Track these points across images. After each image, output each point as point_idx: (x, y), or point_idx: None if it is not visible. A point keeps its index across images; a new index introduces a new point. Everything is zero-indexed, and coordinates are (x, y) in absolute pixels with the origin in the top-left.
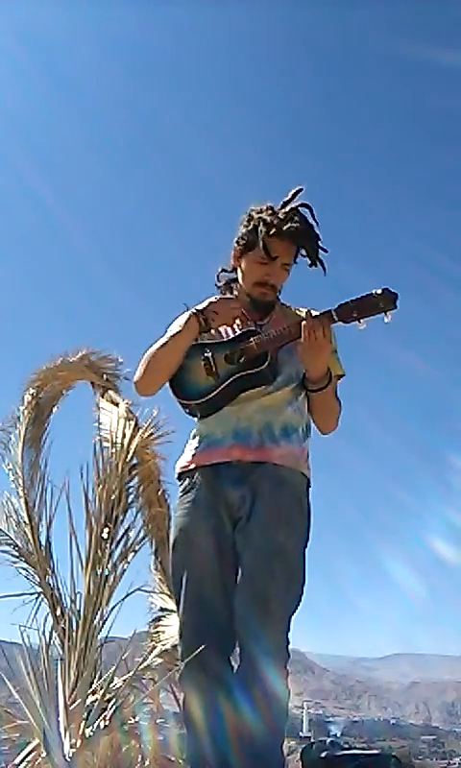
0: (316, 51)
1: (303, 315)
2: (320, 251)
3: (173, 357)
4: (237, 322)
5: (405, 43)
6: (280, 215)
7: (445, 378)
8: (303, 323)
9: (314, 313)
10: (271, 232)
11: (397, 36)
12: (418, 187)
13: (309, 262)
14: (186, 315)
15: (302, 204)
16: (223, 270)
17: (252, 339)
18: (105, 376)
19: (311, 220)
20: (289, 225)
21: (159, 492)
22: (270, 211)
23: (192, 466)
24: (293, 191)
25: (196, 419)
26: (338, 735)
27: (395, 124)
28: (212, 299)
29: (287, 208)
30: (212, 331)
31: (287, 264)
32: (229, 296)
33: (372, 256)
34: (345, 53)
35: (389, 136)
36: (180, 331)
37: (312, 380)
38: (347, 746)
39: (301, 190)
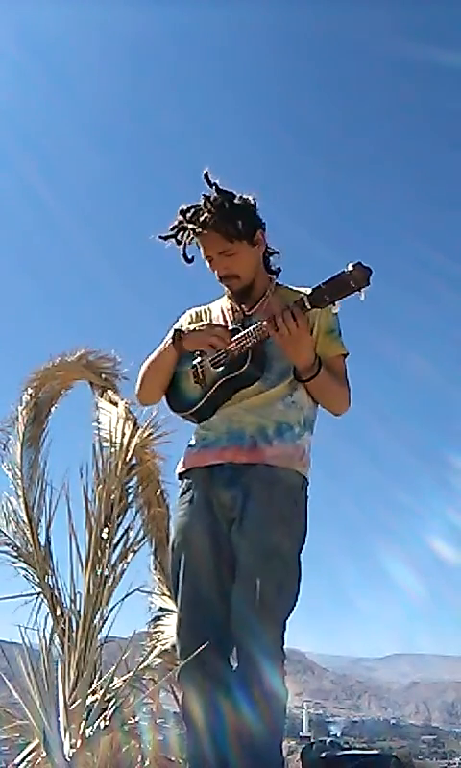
0: (317, 51)
1: (300, 294)
2: (235, 226)
3: (160, 374)
4: (229, 316)
5: (408, 43)
6: (190, 212)
7: (445, 379)
8: (272, 319)
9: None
10: (186, 234)
11: (399, 36)
12: (419, 187)
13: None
14: (170, 334)
15: (214, 188)
16: None
17: (233, 339)
18: (103, 376)
19: (220, 199)
20: (194, 220)
21: (158, 492)
22: (179, 214)
23: (188, 467)
24: (202, 175)
25: (195, 424)
26: (338, 735)
27: (395, 124)
28: (201, 325)
29: (199, 201)
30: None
31: (224, 251)
32: (217, 323)
33: (373, 256)
34: (346, 53)
35: (390, 136)
36: (162, 352)
37: (300, 371)
38: (347, 746)
39: (207, 173)
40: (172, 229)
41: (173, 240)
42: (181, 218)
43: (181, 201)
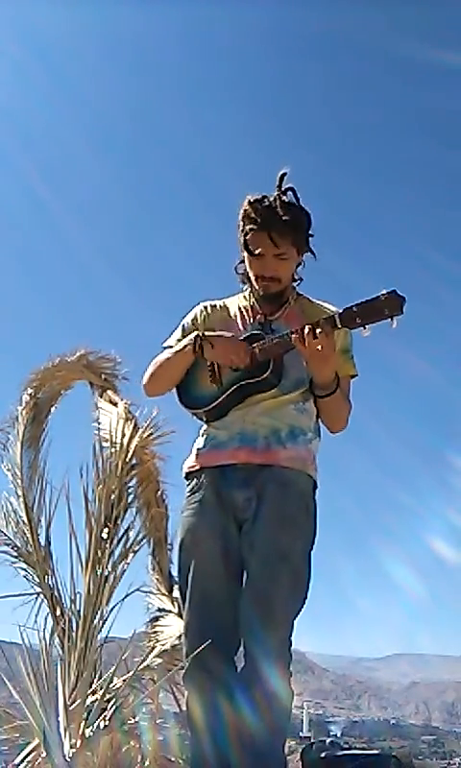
0: (318, 50)
1: (321, 310)
2: (305, 237)
3: (172, 374)
4: (248, 317)
5: (408, 43)
6: (263, 205)
7: (445, 379)
8: (301, 333)
9: (322, 314)
10: (251, 227)
11: (399, 35)
12: (419, 187)
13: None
14: (191, 337)
15: (285, 190)
16: (241, 261)
17: (254, 345)
18: (103, 376)
19: (295, 204)
20: (268, 216)
21: (158, 493)
22: (248, 205)
23: (198, 466)
24: (278, 175)
25: (202, 422)
26: (338, 736)
27: (396, 124)
28: (227, 336)
29: (271, 197)
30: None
31: (281, 254)
32: (237, 337)
33: (373, 256)
34: (346, 53)
35: (390, 136)
36: (178, 353)
37: (319, 387)
38: (347, 746)
39: (285, 174)
40: (244, 218)
41: (245, 228)
42: (249, 208)
43: (181, 200)
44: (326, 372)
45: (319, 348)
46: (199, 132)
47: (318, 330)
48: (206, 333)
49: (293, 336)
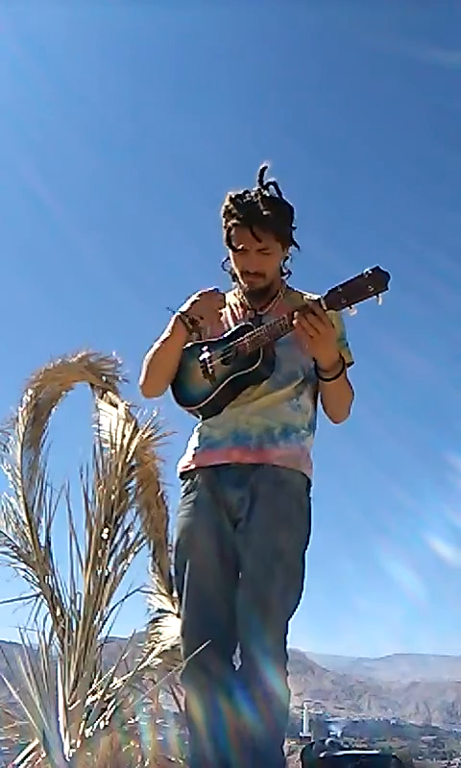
0: (318, 51)
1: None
2: (289, 231)
3: (166, 363)
4: (238, 313)
5: (408, 43)
6: (244, 201)
7: (445, 378)
8: (295, 319)
9: (307, 299)
10: (233, 222)
11: (399, 35)
12: (419, 187)
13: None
14: (172, 320)
15: (267, 184)
16: (227, 258)
17: (244, 336)
18: (104, 378)
19: (277, 198)
20: (250, 211)
21: (158, 494)
22: (229, 200)
23: (192, 466)
24: (259, 169)
25: (199, 419)
26: (338, 736)
27: (396, 124)
28: (194, 296)
29: (252, 192)
30: (209, 329)
31: (264, 249)
32: (210, 289)
33: (372, 256)
34: (346, 53)
35: (390, 136)
36: (168, 337)
37: (324, 369)
38: (347, 746)
39: (265, 168)
40: (225, 214)
41: (227, 224)
42: (230, 204)
43: (181, 201)
44: (330, 352)
45: (318, 330)
46: (199, 132)
47: (311, 314)
48: (182, 309)
49: (280, 322)
